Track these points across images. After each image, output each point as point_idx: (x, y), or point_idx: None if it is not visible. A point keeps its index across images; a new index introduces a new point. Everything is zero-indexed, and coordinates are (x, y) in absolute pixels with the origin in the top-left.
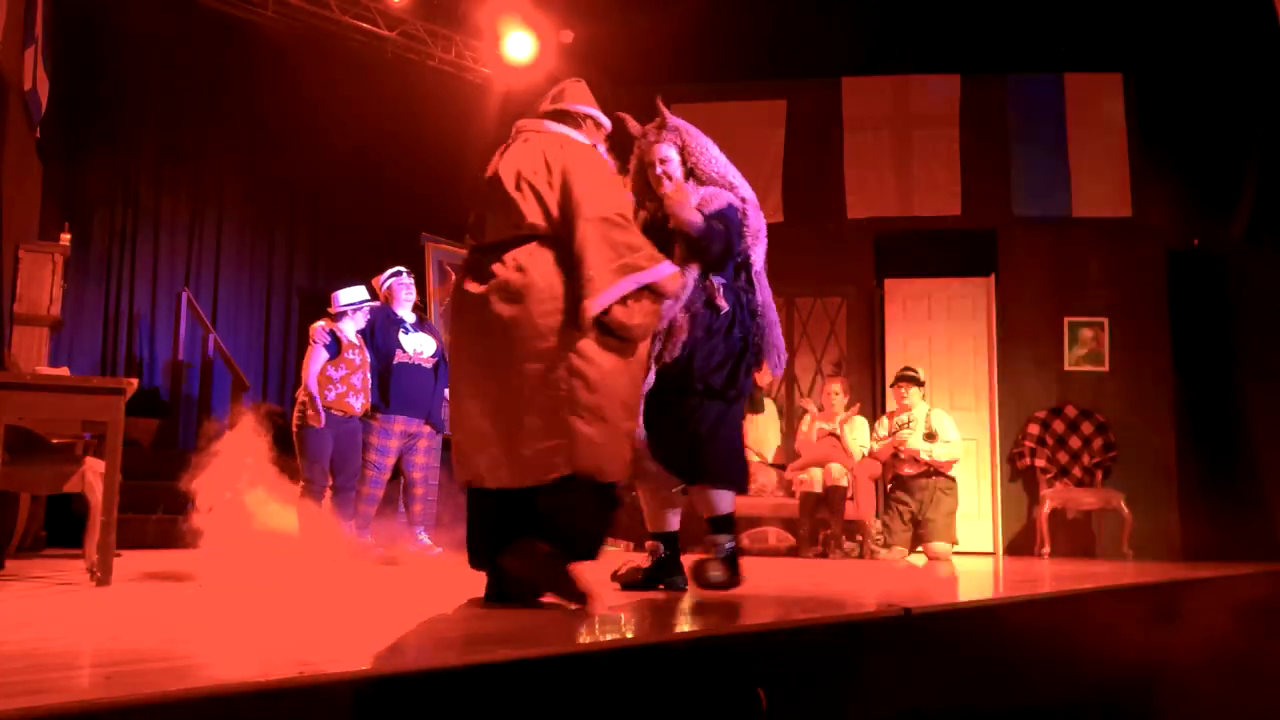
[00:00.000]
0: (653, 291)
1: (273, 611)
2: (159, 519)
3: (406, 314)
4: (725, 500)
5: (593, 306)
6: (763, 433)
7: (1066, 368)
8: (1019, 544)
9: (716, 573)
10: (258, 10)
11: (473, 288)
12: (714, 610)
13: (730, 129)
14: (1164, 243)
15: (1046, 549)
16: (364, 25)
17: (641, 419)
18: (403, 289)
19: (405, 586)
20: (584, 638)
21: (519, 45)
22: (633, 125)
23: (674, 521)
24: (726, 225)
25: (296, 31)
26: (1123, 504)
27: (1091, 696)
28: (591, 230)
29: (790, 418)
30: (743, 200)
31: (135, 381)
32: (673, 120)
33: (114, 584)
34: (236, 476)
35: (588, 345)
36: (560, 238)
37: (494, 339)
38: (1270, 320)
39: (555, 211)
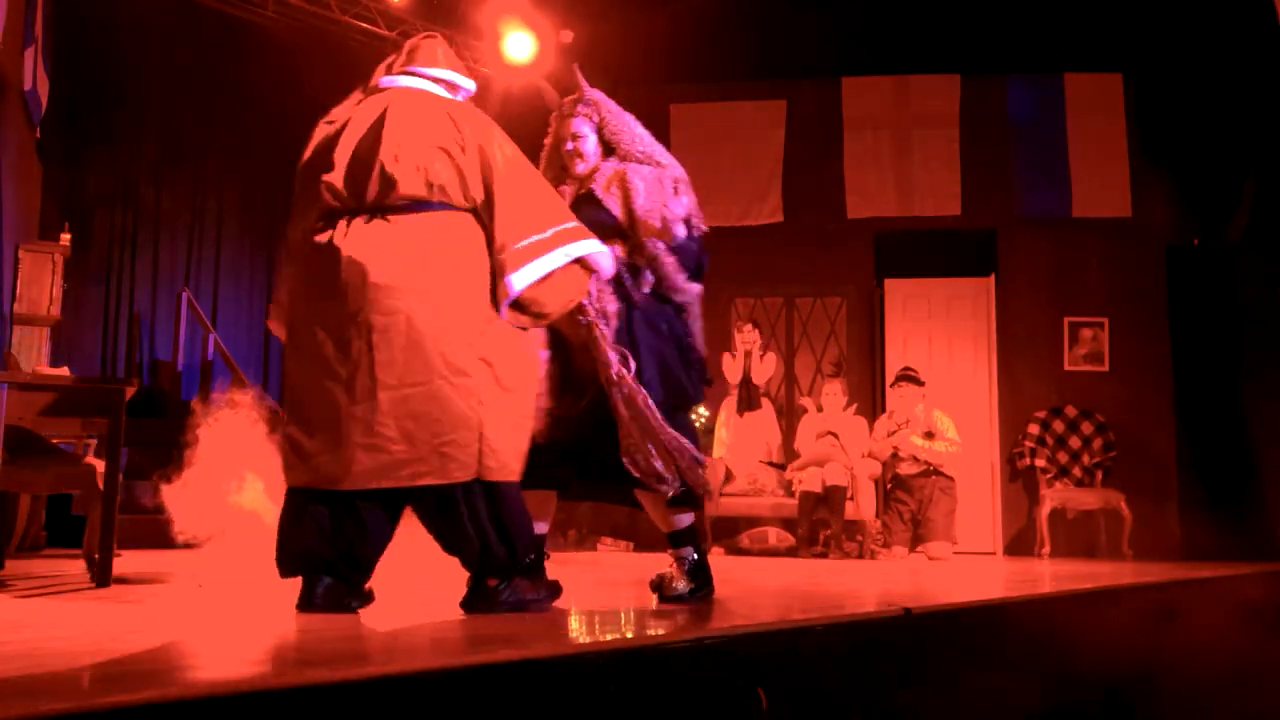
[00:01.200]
0: (582, 265)
1: (273, 611)
2: (159, 519)
3: None
4: (684, 516)
5: (519, 280)
6: (761, 433)
7: (1066, 368)
8: (1019, 544)
9: (680, 584)
10: (258, 10)
11: (352, 253)
12: (714, 610)
13: (730, 129)
14: (1164, 242)
15: (1046, 549)
16: (364, 25)
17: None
18: None
19: (404, 586)
20: (584, 638)
21: (519, 45)
22: (550, 96)
23: (543, 526)
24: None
25: (296, 31)
26: (1123, 504)
27: (1091, 696)
28: (521, 193)
29: (790, 418)
30: (675, 180)
31: (135, 381)
32: (590, 93)
33: (114, 584)
34: (233, 473)
35: (499, 330)
36: (460, 209)
37: (382, 315)
38: (1270, 320)
39: (470, 180)
